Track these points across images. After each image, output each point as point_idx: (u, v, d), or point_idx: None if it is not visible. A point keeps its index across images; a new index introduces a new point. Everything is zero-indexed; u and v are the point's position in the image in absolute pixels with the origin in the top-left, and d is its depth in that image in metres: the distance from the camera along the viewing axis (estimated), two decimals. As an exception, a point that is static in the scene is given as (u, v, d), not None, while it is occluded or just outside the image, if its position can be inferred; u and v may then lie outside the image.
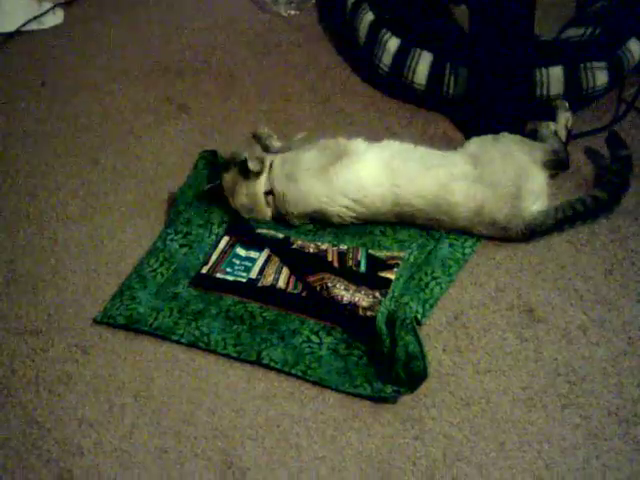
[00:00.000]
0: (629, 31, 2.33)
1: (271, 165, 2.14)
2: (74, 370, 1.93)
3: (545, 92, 2.25)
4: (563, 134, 2.19)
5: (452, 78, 2.29)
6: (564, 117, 2.21)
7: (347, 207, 2.10)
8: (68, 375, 1.93)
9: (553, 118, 2.22)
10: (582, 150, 2.27)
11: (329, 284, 1.99)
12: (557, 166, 2.11)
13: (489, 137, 2.13)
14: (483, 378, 1.85)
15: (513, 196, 2.04)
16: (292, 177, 2.11)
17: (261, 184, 2.13)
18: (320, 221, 2.15)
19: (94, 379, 1.92)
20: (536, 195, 2.06)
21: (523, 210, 2.04)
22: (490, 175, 2.05)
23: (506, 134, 2.13)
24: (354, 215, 2.11)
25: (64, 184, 2.34)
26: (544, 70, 2.24)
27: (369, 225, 2.14)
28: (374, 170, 2.08)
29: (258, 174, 2.12)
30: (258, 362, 1.90)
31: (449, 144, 2.23)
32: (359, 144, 2.11)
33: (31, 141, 2.48)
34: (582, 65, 2.25)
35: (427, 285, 2.00)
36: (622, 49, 2.30)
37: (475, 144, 2.12)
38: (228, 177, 2.15)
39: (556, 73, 2.24)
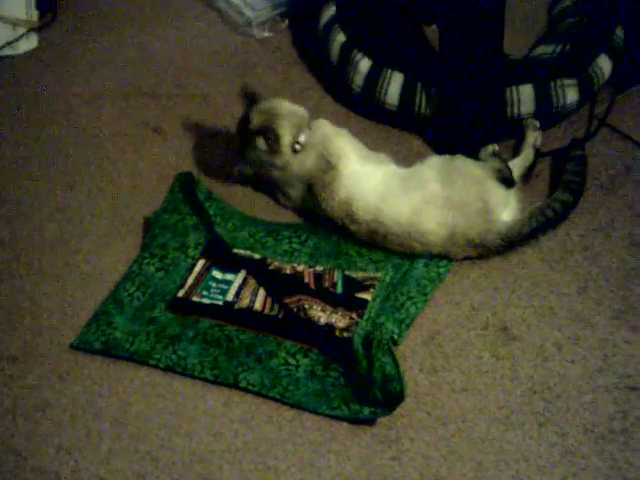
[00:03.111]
0: (599, 47, 2.35)
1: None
2: (51, 397, 1.93)
3: (516, 110, 2.26)
4: (531, 152, 2.21)
5: (423, 98, 2.30)
6: (533, 136, 2.23)
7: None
8: (45, 402, 1.92)
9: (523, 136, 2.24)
10: (553, 168, 2.28)
11: (306, 305, 2.00)
12: (502, 183, 2.12)
13: (446, 157, 2.15)
14: (459, 397, 1.86)
15: (482, 212, 2.05)
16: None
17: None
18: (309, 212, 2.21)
19: (71, 405, 1.91)
20: (503, 205, 2.08)
21: (495, 223, 2.05)
22: (457, 195, 2.06)
23: (458, 155, 2.16)
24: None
25: (39, 209, 2.34)
26: (514, 89, 2.25)
27: (344, 245, 2.15)
28: (373, 181, 2.11)
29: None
30: (235, 385, 1.90)
31: (422, 164, 2.24)
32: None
33: (6, 166, 2.47)
34: (552, 83, 2.26)
35: (403, 305, 2.01)
36: (592, 66, 2.32)
37: (437, 162, 2.14)
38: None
39: (527, 91, 2.25)
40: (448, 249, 2.07)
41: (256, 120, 2.16)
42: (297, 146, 2.15)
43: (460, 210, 2.04)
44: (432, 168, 2.12)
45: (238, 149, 2.21)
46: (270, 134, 2.13)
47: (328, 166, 2.12)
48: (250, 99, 2.23)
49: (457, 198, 2.05)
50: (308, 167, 2.14)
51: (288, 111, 2.18)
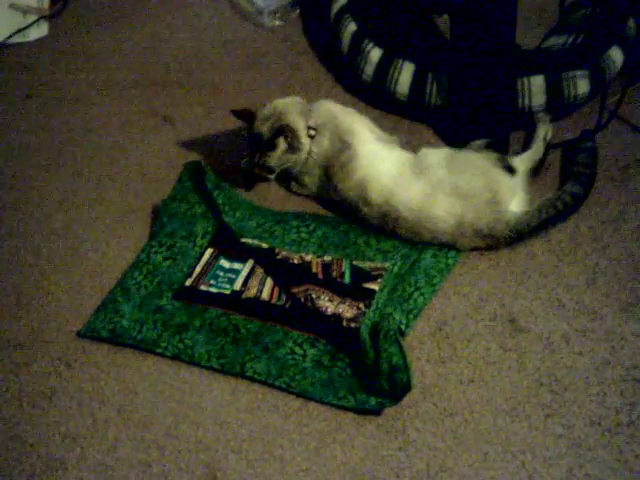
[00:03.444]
0: (611, 39, 2.34)
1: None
2: (58, 384, 1.93)
3: (527, 101, 2.25)
4: (542, 146, 2.19)
5: (434, 88, 2.29)
6: (544, 129, 2.22)
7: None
8: (52, 389, 1.93)
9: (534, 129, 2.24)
10: (564, 159, 2.27)
11: (313, 295, 2.00)
12: (507, 171, 2.11)
13: (449, 149, 2.15)
14: (466, 388, 1.86)
15: (491, 202, 2.04)
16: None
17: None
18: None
19: (78, 393, 1.92)
20: (511, 196, 2.07)
21: (504, 214, 2.05)
22: (465, 184, 2.05)
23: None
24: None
25: (48, 197, 2.34)
26: (526, 79, 2.24)
27: (352, 235, 2.15)
28: (388, 164, 2.12)
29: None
30: (242, 375, 1.90)
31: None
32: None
33: (15, 154, 2.48)
34: (564, 74, 2.25)
35: (411, 296, 2.00)
36: (604, 57, 2.30)
37: (442, 150, 2.14)
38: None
39: (538, 82, 2.24)
40: (456, 238, 2.06)
41: (265, 128, 2.16)
42: (311, 131, 2.16)
43: (468, 200, 2.04)
44: (437, 155, 2.11)
45: (259, 167, 2.19)
46: (287, 131, 2.14)
47: (343, 145, 2.13)
48: (245, 118, 2.21)
49: (465, 188, 2.05)
50: (325, 148, 2.16)
51: (288, 105, 2.19)
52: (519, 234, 2.05)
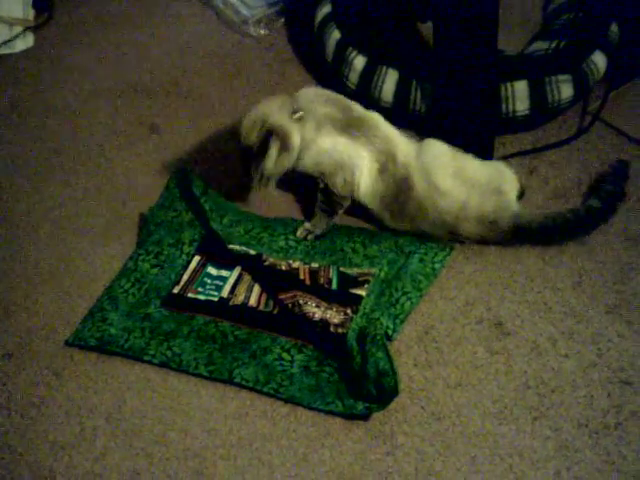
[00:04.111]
0: (594, 44, 2.35)
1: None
2: (46, 393, 1.93)
3: (511, 107, 2.27)
4: None
5: (418, 95, 2.30)
6: None
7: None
8: (40, 398, 1.92)
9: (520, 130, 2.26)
10: (549, 163, 2.29)
11: (301, 301, 2.00)
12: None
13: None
14: (454, 392, 1.86)
15: (496, 191, 2.07)
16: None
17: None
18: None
19: (66, 402, 1.91)
20: (514, 188, 2.11)
21: (509, 204, 2.07)
22: (471, 172, 2.08)
23: None
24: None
25: (36, 207, 2.34)
26: (509, 85, 2.25)
27: (339, 242, 2.15)
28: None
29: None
30: (230, 381, 1.90)
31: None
32: None
33: (2, 164, 2.48)
34: (547, 79, 2.27)
35: (397, 300, 2.01)
36: (587, 62, 2.32)
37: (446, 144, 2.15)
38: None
39: (521, 88, 2.26)
40: (460, 222, 2.06)
41: (254, 138, 2.06)
42: (297, 115, 2.07)
43: (475, 187, 2.06)
44: (442, 145, 2.13)
45: (259, 180, 2.10)
46: (275, 131, 2.05)
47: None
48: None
49: (471, 175, 2.08)
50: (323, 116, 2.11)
51: (268, 105, 2.10)
52: (518, 229, 2.05)
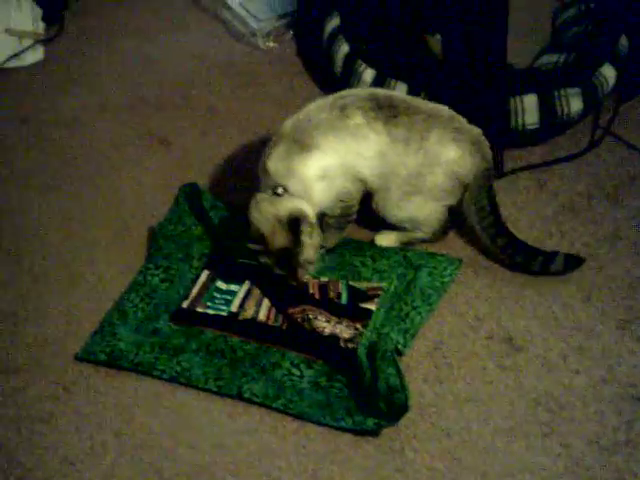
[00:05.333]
0: (603, 57, 2.35)
1: None
2: (55, 408, 1.93)
3: (520, 120, 2.27)
4: None
5: (428, 108, 2.30)
6: None
7: None
8: (49, 413, 1.92)
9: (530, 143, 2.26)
10: (559, 177, 2.28)
11: (310, 316, 2.00)
12: None
13: None
14: (464, 408, 1.86)
15: (487, 170, 2.09)
16: None
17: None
18: None
19: (75, 417, 1.91)
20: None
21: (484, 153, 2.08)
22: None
23: None
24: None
25: (45, 220, 2.35)
26: (518, 98, 2.25)
27: (348, 256, 2.15)
28: None
29: None
30: (239, 396, 1.90)
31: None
32: None
33: (12, 177, 2.48)
34: (556, 92, 2.26)
35: (407, 315, 2.01)
36: (596, 74, 2.32)
37: None
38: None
39: (530, 101, 2.26)
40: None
41: (283, 237, 1.98)
42: (279, 190, 2.01)
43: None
44: None
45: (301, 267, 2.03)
46: (297, 222, 1.97)
47: None
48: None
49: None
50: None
51: (263, 207, 2.01)
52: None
